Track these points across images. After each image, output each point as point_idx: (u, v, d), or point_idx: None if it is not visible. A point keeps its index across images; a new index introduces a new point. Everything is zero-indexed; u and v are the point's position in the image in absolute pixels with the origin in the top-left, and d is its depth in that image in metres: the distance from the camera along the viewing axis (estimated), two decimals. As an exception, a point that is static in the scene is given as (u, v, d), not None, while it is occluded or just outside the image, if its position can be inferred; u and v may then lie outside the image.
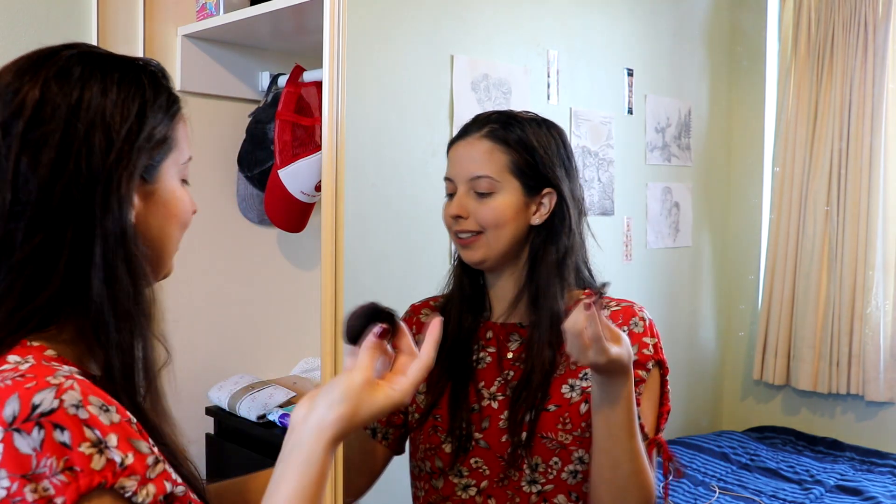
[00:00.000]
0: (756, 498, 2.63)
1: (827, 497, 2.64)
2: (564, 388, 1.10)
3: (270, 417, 2.05)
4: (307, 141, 2.17)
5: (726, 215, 3.61)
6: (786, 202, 3.34)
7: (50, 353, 0.68)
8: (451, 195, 1.15)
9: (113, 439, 0.62)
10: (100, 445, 0.61)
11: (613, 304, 1.15)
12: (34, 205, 0.69)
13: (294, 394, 2.12)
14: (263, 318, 2.29)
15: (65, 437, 0.60)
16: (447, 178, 1.16)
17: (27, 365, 0.64)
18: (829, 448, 3.16)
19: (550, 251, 1.12)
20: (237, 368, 2.25)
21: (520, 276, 1.14)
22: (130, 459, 0.63)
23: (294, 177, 2.13)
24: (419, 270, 2.07)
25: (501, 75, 2.35)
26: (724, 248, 3.60)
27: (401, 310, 2.02)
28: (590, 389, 1.07)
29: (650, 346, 1.10)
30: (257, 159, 2.24)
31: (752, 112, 3.56)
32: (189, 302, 2.13)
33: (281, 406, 2.08)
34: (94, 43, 1.86)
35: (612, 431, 0.99)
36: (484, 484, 1.11)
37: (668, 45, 3.16)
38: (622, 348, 0.93)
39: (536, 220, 1.12)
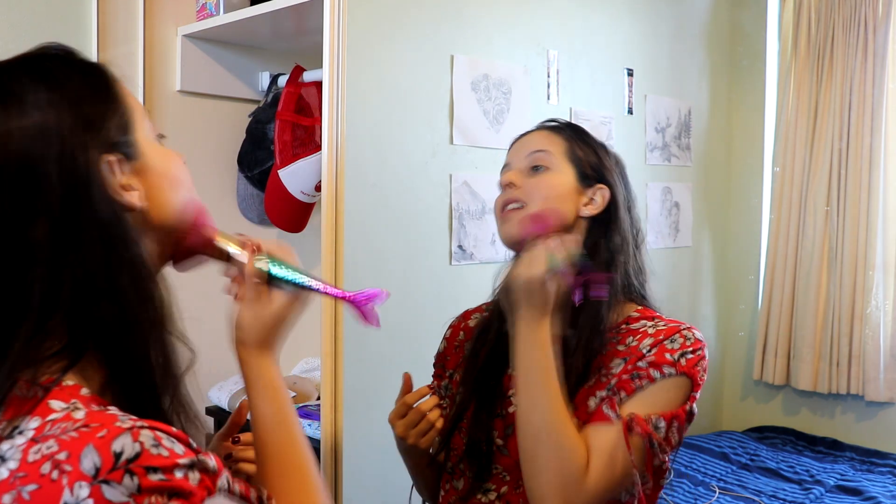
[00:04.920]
0: (756, 498, 2.63)
1: (827, 497, 2.64)
2: (592, 402, 1.06)
3: (270, 417, 2.05)
4: (307, 141, 2.17)
5: (726, 215, 3.61)
6: (786, 202, 3.34)
7: (84, 391, 0.65)
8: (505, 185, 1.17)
9: (192, 458, 0.61)
10: (189, 466, 0.60)
11: (661, 323, 1.11)
12: None
13: (294, 394, 2.12)
14: (263, 318, 2.29)
15: (158, 475, 0.58)
16: (505, 166, 1.18)
17: (81, 412, 0.61)
18: (829, 448, 3.15)
19: (602, 246, 1.12)
20: (237, 368, 2.25)
21: None
22: (212, 461, 0.63)
23: (294, 177, 2.13)
24: (419, 270, 2.06)
25: (501, 75, 2.35)
26: (724, 248, 3.60)
27: (400, 310, 2.02)
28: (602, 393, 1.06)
29: (676, 355, 1.05)
30: (257, 159, 2.24)
31: (752, 112, 3.56)
32: (188, 302, 2.13)
33: (281, 406, 2.08)
34: (94, 43, 1.85)
35: (523, 371, 1.01)
36: (504, 489, 1.10)
37: (668, 45, 3.15)
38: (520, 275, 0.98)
39: (586, 211, 1.13)
